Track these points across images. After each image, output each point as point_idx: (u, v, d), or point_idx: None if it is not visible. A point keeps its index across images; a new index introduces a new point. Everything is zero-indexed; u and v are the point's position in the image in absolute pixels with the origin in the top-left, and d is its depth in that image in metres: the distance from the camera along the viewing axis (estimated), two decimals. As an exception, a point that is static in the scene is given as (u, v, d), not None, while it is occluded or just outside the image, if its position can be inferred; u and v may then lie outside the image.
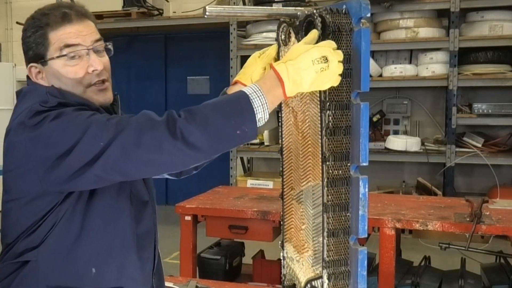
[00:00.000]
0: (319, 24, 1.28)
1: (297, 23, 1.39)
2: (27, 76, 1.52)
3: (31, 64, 1.48)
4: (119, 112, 1.57)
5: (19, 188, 1.39)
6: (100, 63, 1.46)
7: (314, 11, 1.31)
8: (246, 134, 1.25)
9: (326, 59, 1.24)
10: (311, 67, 1.24)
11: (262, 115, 1.25)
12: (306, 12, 1.36)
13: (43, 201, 1.37)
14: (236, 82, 1.57)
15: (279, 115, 1.59)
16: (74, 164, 1.28)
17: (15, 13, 7.63)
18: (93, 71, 1.45)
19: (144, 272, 1.52)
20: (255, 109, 1.24)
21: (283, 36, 1.48)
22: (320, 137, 1.32)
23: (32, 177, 1.34)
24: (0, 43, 7.73)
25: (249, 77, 1.54)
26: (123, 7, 6.29)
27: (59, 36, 1.44)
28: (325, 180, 1.31)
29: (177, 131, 1.21)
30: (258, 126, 1.26)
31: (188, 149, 1.22)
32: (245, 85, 1.53)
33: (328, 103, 1.29)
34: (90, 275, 1.40)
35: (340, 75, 1.27)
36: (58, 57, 1.43)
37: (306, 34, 1.35)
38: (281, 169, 1.57)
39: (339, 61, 1.25)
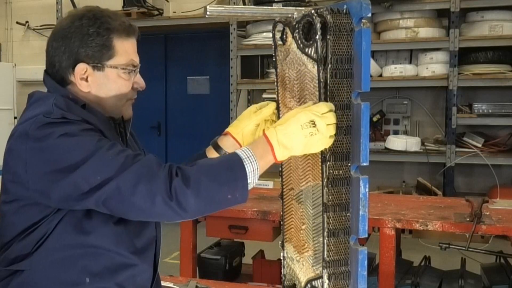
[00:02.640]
0: (318, 24, 1.28)
1: (294, 22, 1.39)
2: (45, 74, 1.47)
3: (82, 64, 1.42)
4: (130, 126, 1.57)
5: (14, 192, 1.38)
6: (144, 83, 1.51)
7: (313, 11, 1.31)
8: (236, 199, 1.29)
9: (314, 123, 1.26)
10: (300, 131, 1.27)
11: (252, 180, 1.29)
12: (303, 12, 1.36)
13: (35, 208, 1.37)
14: (227, 133, 1.59)
15: (278, 115, 1.59)
16: (67, 190, 1.29)
17: (15, 13, 7.62)
18: (136, 88, 1.50)
19: (141, 283, 1.50)
20: (247, 175, 1.28)
21: (280, 36, 1.48)
22: None
23: (26, 186, 1.34)
24: (0, 43, 7.73)
25: (240, 132, 1.57)
26: (123, 7, 6.28)
27: (125, 47, 1.45)
28: (325, 180, 1.31)
29: (172, 191, 1.24)
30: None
31: (178, 208, 1.26)
32: (235, 139, 1.56)
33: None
34: (84, 283, 1.40)
35: (333, 136, 1.29)
36: (123, 68, 1.44)
37: (306, 35, 1.35)
38: (280, 169, 1.57)
39: (328, 124, 1.27)
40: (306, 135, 1.27)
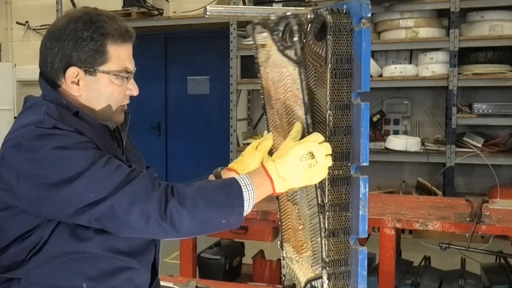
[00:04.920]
0: (295, 26, 1.28)
1: (272, 24, 1.38)
2: (40, 77, 1.44)
3: (74, 67, 1.39)
4: (126, 130, 1.55)
5: (6, 200, 1.37)
6: (137, 89, 1.48)
7: (289, 13, 1.31)
8: (230, 224, 1.31)
9: (313, 154, 1.27)
10: (299, 164, 1.28)
11: (246, 208, 1.31)
12: (279, 14, 1.36)
13: (29, 216, 1.36)
14: (231, 169, 1.58)
15: (265, 117, 1.59)
16: (59, 205, 1.28)
17: (15, 13, 7.62)
18: (129, 94, 1.48)
19: (138, 286, 1.49)
20: (244, 203, 1.29)
21: (258, 38, 1.48)
22: None
23: (18, 196, 1.32)
24: (0, 43, 7.73)
25: (246, 168, 1.56)
26: (123, 7, 6.29)
27: (118, 53, 1.42)
28: (319, 182, 1.31)
29: (167, 212, 1.25)
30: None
31: (172, 229, 1.26)
32: None
33: (329, 103, 1.29)
34: None
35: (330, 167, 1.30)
36: (115, 74, 1.41)
37: (290, 36, 1.34)
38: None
39: (326, 155, 1.28)
40: (305, 167, 1.28)
